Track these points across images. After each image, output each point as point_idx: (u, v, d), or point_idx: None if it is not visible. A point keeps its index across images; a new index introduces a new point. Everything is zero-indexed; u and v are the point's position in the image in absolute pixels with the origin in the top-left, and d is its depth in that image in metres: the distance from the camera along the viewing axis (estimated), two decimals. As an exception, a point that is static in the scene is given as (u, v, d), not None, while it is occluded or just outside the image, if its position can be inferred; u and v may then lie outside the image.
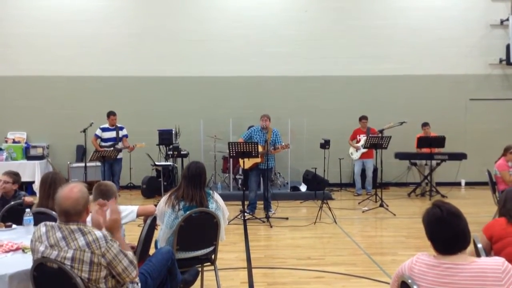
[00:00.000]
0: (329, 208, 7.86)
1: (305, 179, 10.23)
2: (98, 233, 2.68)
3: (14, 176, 5.07)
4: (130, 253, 2.79)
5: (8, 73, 10.70)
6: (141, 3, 11.01)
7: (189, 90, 10.90)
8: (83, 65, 10.72)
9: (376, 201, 8.86)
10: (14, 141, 10.64)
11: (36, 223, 3.52)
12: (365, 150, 9.77)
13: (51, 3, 10.74)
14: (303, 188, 9.94)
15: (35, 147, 10.61)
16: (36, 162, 10.28)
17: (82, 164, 9.49)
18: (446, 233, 2.24)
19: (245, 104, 10.78)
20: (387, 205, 8.49)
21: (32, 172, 10.21)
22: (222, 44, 10.91)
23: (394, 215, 8.06)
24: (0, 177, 4.98)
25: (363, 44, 11.04)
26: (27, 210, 3.85)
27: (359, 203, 9.15)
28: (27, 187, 9.92)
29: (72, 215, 2.69)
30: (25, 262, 2.81)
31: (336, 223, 7.51)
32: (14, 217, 4.14)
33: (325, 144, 8.29)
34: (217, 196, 4.20)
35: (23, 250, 3.19)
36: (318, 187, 9.30)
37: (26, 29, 10.63)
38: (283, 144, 7.94)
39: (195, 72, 10.82)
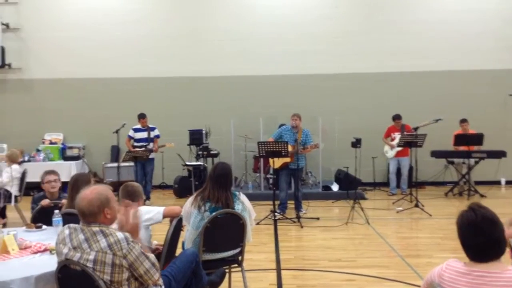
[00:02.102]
0: (361, 208, 7.69)
1: (337, 178, 10.08)
2: (119, 235, 2.67)
3: (55, 172, 5.05)
4: (152, 256, 2.77)
5: (45, 76, 11.01)
6: (172, 6, 11.09)
7: (220, 90, 10.91)
8: (117, 67, 10.91)
9: (411, 201, 8.61)
10: (51, 142, 10.94)
11: (65, 224, 3.55)
12: (400, 148, 9.51)
13: (85, 7, 10.97)
14: (335, 187, 9.79)
15: (71, 148, 10.89)
16: (72, 162, 10.52)
17: (116, 164, 9.63)
18: (479, 239, 2.10)
19: (275, 103, 10.71)
20: (423, 205, 8.24)
21: (68, 172, 10.42)
22: (252, 43, 10.87)
23: (430, 215, 7.81)
24: (48, 178, 4.92)
25: (396, 39, 10.77)
26: (56, 211, 3.90)
27: (393, 203, 8.92)
28: (63, 187, 10.14)
29: (87, 216, 2.69)
30: (51, 263, 2.83)
31: (368, 223, 7.33)
32: (47, 218, 4.18)
33: (356, 143, 8.12)
34: (243, 197, 4.14)
35: (50, 251, 3.22)
36: (350, 187, 9.13)
37: (62, 33, 10.89)
38: (312, 144, 7.82)
39: (225, 72, 10.83)
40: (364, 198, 9.31)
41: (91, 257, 2.61)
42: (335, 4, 10.91)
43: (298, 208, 7.89)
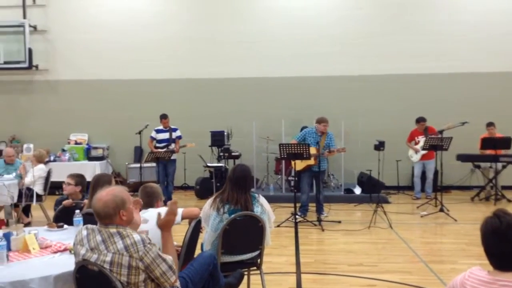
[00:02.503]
0: (384, 212, 7.56)
1: (359, 181, 9.95)
2: (136, 237, 2.66)
3: (76, 178, 5.09)
4: (169, 258, 2.75)
5: (71, 77, 11.20)
6: (195, 8, 11.13)
7: (242, 91, 10.91)
8: (141, 68, 11.02)
9: (436, 206, 8.44)
10: (76, 143, 11.12)
11: (85, 224, 3.57)
12: (424, 152, 9.33)
13: (111, 10, 11.13)
14: (357, 190, 9.67)
15: (95, 148, 11.04)
16: (97, 163, 10.67)
17: (139, 165, 9.72)
18: (503, 247, 2.01)
19: (297, 105, 10.65)
20: (448, 210, 8.05)
21: (93, 172, 10.53)
22: (274, 45, 10.84)
23: (456, 220, 7.63)
24: (66, 180, 5.04)
25: (421, 40, 10.57)
26: (77, 211, 3.94)
27: (417, 207, 8.75)
28: (88, 187, 10.31)
29: (103, 217, 2.69)
30: (70, 263, 2.85)
31: (391, 228, 7.20)
32: (69, 217, 4.21)
33: (380, 146, 8.00)
34: (262, 200, 4.11)
35: (70, 251, 3.24)
36: (373, 190, 9.00)
37: (88, 35, 11.07)
38: (338, 147, 7.74)
39: (247, 74, 10.83)
40: (387, 202, 9.16)
41: (108, 258, 2.61)
42: (359, 6, 10.78)
43: (319, 211, 7.81)
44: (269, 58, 10.83)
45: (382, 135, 9.00)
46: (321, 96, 10.72)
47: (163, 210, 3.64)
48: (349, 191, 9.66)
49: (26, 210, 7.49)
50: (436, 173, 9.42)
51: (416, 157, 9.68)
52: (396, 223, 7.45)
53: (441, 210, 8.05)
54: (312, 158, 7.50)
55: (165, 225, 3.02)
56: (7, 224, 6.64)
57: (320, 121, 7.77)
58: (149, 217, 3.36)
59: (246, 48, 10.86)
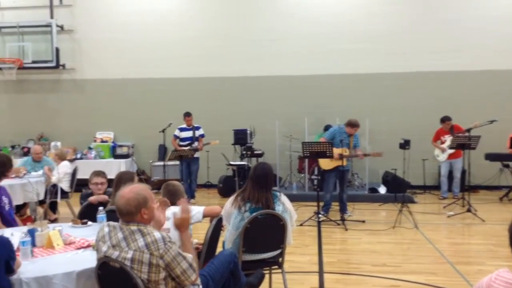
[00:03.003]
0: (410, 212, 7.43)
1: (384, 180, 9.81)
2: (157, 235, 2.68)
3: (105, 174, 5.10)
4: (189, 256, 2.76)
5: (97, 76, 11.37)
6: (218, 7, 11.14)
7: (265, 89, 10.89)
8: (165, 67, 11.10)
9: (463, 206, 8.25)
10: (102, 141, 11.29)
11: (109, 220, 3.61)
12: (451, 151, 9.13)
13: (136, 10, 11.23)
14: (382, 190, 9.53)
15: (121, 146, 11.18)
16: (122, 160, 10.81)
17: (163, 163, 9.81)
18: (531, 249, 1.94)
19: (321, 103, 10.56)
20: (476, 210, 7.86)
21: (118, 170, 10.64)
22: (297, 43, 10.77)
23: (483, 221, 7.45)
24: (95, 179, 4.96)
25: (448, 37, 10.35)
26: (100, 208, 3.98)
27: (444, 207, 8.57)
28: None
29: (124, 214, 2.71)
30: (93, 260, 2.87)
31: (417, 228, 7.07)
32: (94, 214, 4.25)
33: (405, 144, 7.86)
34: (284, 198, 4.08)
35: (93, 248, 3.28)
36: (398, 189, 8.85)
37: (113, 34, 11.21)
38: (374, 152, 7.70)
39: (270, 72, 10.80)
40: (413, 202, 9.00)
41: (129, 255, 2.63)
42: (384, 2, 10.60)
43: (343, 210, 7.74)
44: (293, 56, 10.76)
45: (407, 134, 8.84)
46: (345, 94, 10.60)
47: (178, 209, 3.66)
48: (373, 190, 9.53)
49: (53, 207, 7.64)
50: (463, 172, 9.21)
51: (442, 157, 9.47)
52: (422, 223, 7.31)
53: (469, 210, 7.86)
54: (344, 159, 7.44)
55: (181, 225, 3.01)
56: (34, 220, 6.78)
57: (354, 125, 7.62)
58: (170, 215, 3.37)
59: (269, 46, 10.82)
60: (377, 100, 10.54)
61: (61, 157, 7.77)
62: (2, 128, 10.78)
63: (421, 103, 10.44)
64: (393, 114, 10.47)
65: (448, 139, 9.20)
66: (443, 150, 9.40)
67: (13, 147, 11.05)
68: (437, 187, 10.09)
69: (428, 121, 9.93)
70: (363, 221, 7.53)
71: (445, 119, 9.40)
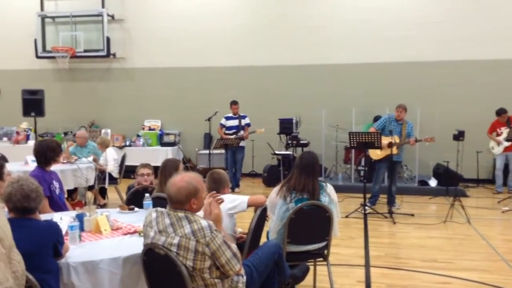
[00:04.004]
0: (462, 206, 7.11)
1: (435, 173, 9.46)
2: (203, 222, 2.66)
3: (150, 166, 5.20)
4: (233, 246, 2.73)
5: (146, 65, 11.55)
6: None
7: (312, 78, 10.70)
8: (211, 56, 11.14)
9: (519, 201, 7.85)
10: (150, 129, 11.50)
11: (155, 207, 3.64)
12: (508, 143, 8.68)
13: (184, -1, 11.32)
14: (432, 182, 9.19)
15: (168, 134, 11.34)
16: (169, 148, 10.96)
17: (208, 151, 9.87)
18: None
19: (369, 92, 10.28)
20: (533, 206, 7.46)
21: (165, 158, 10.66)
22: (345, 30, 10.49)
23: (541, 217, 7.05)
24: (142, 171, 5.11)
25: (504, 24, 9.75)
26: (146, 194, 4.02)
27: (498, 202, 8.20)
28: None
29: (174, 202, 2.72)
30: (139, 245, 2.89)
31: (469, 223, 6.77)
32: (140, 201, 4.30)
33: (459, 136, 7.53)
34: (330, 189, 3.97)
35: (139, 234, 3.31)
36: (450, 183, 8.50)
37: (162, 23, 11.33)
38: (426, 137, 7.41)
39: (317, 60, 10.59)
40: (465, 196, 8.64)
41: (175, 241, 2.63)
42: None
43: (391, 202, 7.52)
44: (340, 44, 10.50)
45: (460, 125, 8.45)
46: (395, 83, 10.25)
47: (227, 197, 3.63)
48: (423, 183, 9.21)
49: (103, 192, 7.85)
50: (520, 166, 8.74)
51: (498, 149, 9.03)
52: (475, 218, 7.00)
53: (526, 206, 7.47)
54: (394, 148, 7.22)
55: (214, 221, 2.82)
56: (85, 205, 6.98)
57: (398, 106, 7.51)
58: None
59: (316, 34, 10.61)
60: (430, 90, 10.13)
61: (104, 145, 7.92)
62: (55, 115, 11.15)
63: (476, 93, 9.95)
64: (446, 104, 10.04)
65: (504, 131, 8.76)
66: (499, 143, 8.97)
67: (65, 133, 11.45)
68: (491, 181, 9.66)
69: (483, 112, 9.49)
70: (412, 215, 7.29)
71: (501, 112, 8.95)
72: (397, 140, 7.29)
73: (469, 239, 6.07)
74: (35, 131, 10.02)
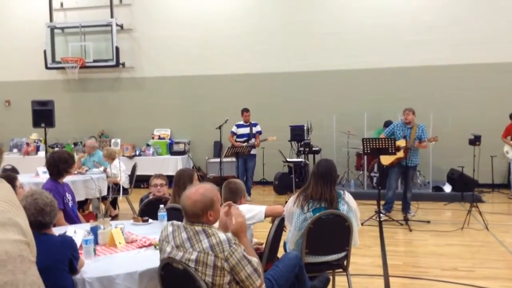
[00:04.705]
0: (480, 212, 6.96)
1: (450, 178, 9.30)
2: (222, 236, 2.57)
3: (164, 177, 5.14)
4: (254, 260, 2.62)
5: (155, 74, 11.52)
6: (276, 1, 10.97)
7: (322, 84, 10.61)
8: (221, 64, 11.08)
9: (537, 206, 7.68)
10: (159, 138, 11.44)
11: (169, 218, 3.57)
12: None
13: (191, 6, 11.25)
14: (447, 188, 9.04)
15: (177, 143, 11.27)
16: (179, 157, 10.89)
17: (219, 160, 9.79)
18: None
19: (380, 98, 10.16)
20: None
21: (175, 167, 10.79)
22: (355, 35, 10.40)
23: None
24: (155, 181, 5.04)
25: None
26: (161, 206, 3.94)
27: (515, 207, 8.04)
28: (170, 181, 10.57)
29: (190, 215, 2.63)
30: (156, 259, 2.81)
31: (487, 229, 6.62)
32: (154, 212, 4.21)
33: (475, 140, 7.38)
34: (348, 197, 3.87)
35: (155, 247, 3.22)
36: (465, 188, 8.35)
37: (170, 32, 11.30)
38: (429, 137, 7.29)
39: (327, 66, 10.50)
40: (481, 201, 8.46)
41: (193, 257, 2.54)
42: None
43: (406, 209, 7.39)
44: (350, 49, 10.40)
45: (474, 129, 8.31)
46: (407, 87, 10.13)
47: (243, 207, 3.55)
48: (438, 189, 9.06)
49: (114, 203, 7.79)
50: (537, 170, 8.57)
51: (512, 154, 8.90)
52: (492, 224, 6.84)
53: (545, 211, 7.29)
54: (402, 151, 7.10)
55: (238, 230, 2.77)
56: (97, 217, 6.92)
57: (403, 110, 7.42)
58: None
59: (326, 39, 10.52)
60: (443, 94, 9.99)
61: (110, 157, 7.75)
62: (65, 125, 11.14)
63: (490, 97, 9.80)
64: (459, 108, 9.90)
65: (519, 135, 8.61)
66: (514, 147, 8.82)
67: (75, 144, 11.43)
68: (506, 186, 9.49)
69: (497, 116, 9.34)
70: (428, 222, 7.15)
71: None
72: (403, 144, 7.15)
73: (488, 246, 5.94)
74: (45, 142, 10.00)
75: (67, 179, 5.21)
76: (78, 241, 3.05)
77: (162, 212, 3.88)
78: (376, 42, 10.30)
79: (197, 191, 2.65)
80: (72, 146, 11.29)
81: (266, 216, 3.59)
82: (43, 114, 9.42)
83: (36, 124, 9.40)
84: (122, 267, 2.83)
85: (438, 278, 4.77)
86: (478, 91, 9.90)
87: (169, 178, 5.32)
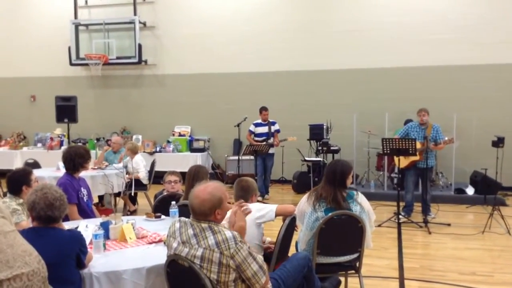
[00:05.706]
0: (502, 216, 6.77)
1: (472, 180, 9.08)
2: (228, 233, 2.56)
3: (178, 173, 5.17)
4: (260, 257, 2.61)
5: (176, 72, 11.60)
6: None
7: (343, 83, 10.50)
8: (241, 62, 11.07)
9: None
10: (180, 135, 11.52)
11: (181, 215, 3.57)
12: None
13: (213, 4, 11.29)
14: (470, 191, 8.83)
15: (197, 140, 11.34)
16: (198, 154, 10.95)
17: (237, 158, 9.79)
18: None
19: (402, 97, 9.98)
20: None
21: (194, 163, 10.82)
22: (376, 34, 10.23)
23: None
24: (169, 178, 5.10)
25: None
26: (173, 202, 3.95)
27: (540, 211, 7.79)
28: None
29: (197, 214, 2.64)
30: (164, 255, 2.81)
31: (510, 234, 6.44)
32: (166, 208, 4.24)
33: (499, 142, 7.19)
34: (361, 198, 3.80)
35: (164, 243, 3.23)
36: (488, 191, 8.14)
37: (192, 29, 11.34)
38: (445, 139, 7.13)
39: (348, 65, 10.38)
40: (504, 204, 8.24)
41: (199, 253, 2.54)
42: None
43: (425, 211, 7.25)
44: (372, 48, 10.26)
45: (498, 131, 8.10)
46: (429, 87, 9.93)
47: (254, 205, 3.52)
48: (460, 191, 8.86)
49: (133, 198, 7.87)
50: None
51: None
52: (515, 229, 6.66)
53: None
54: (418, 153, 6.97)
55: (238, 232, 2.72)
56: (114, 212, 7.00)
57: (418, 111, 7.32)
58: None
59: (347, 38, 10.40)
60: (467, 94, 9.76)
61: (133, 151, 7.75)
62: (88, 121, 11.32)
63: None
64: (484, 108, 9.66)
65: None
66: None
67: (97, 139, 11.60)
68: (531, 189, 9.21)
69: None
70: (449, 224, 6.99)
71: None
72: (419, 146, 7.02)
73: (510, 251, 5.78)
74: (68, 137, 10.18)
75: (87, 173, 5.28)
76: (89, 235, 3.08)
77: (173, 209, 3.89)
78: (398, 41, 10.13)
79: (205, 189, 2.64)
80: (95, 141, 11.46)
81: (277, 215, 3.56)
82: (66, 110, 9.61)
83: (59, 119, 9.58)
84: (130, 263, 2.84)
85: (455, 282, 4.66)
86: (502, 91, 9.64)
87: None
